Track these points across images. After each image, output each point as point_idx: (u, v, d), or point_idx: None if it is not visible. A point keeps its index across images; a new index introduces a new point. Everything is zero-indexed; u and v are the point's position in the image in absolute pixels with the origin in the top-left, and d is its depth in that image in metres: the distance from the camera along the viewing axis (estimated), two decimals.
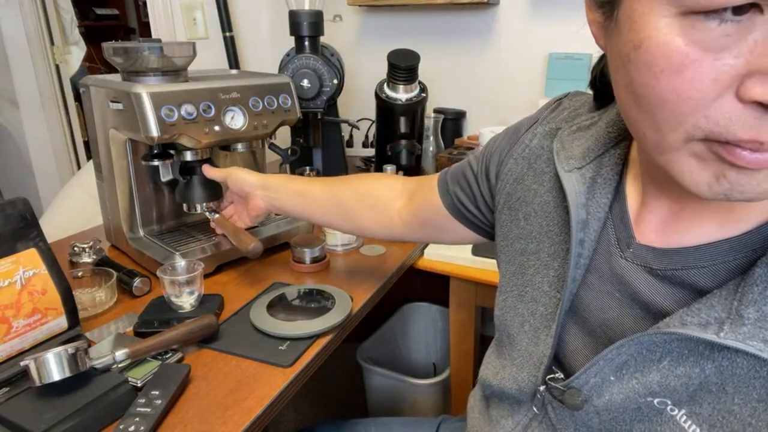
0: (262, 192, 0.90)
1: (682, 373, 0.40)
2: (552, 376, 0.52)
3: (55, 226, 1.36)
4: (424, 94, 1.33)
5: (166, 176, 1.02)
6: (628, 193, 0.49)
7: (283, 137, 1.51)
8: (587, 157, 0.51)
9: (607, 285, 0.48)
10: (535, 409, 0.54)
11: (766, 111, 0.31)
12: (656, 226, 0.46)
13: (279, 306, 0.86)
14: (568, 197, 0.50)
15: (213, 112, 0.93)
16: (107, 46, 0.92)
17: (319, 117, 1.36)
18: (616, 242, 0.48)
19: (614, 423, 0.45)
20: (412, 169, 1.41)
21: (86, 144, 2.79)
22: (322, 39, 1.36)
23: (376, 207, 0.83)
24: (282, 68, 1.32)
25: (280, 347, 0.78)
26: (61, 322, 0.76)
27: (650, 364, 0.42)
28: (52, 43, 2.67)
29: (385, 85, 1.33)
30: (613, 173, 0.49)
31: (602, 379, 0.45)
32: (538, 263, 0.55)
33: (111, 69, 1.00)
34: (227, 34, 1.82)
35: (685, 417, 0.40)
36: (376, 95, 1.34)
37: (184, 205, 1.02)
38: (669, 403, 0.41)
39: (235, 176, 0.92)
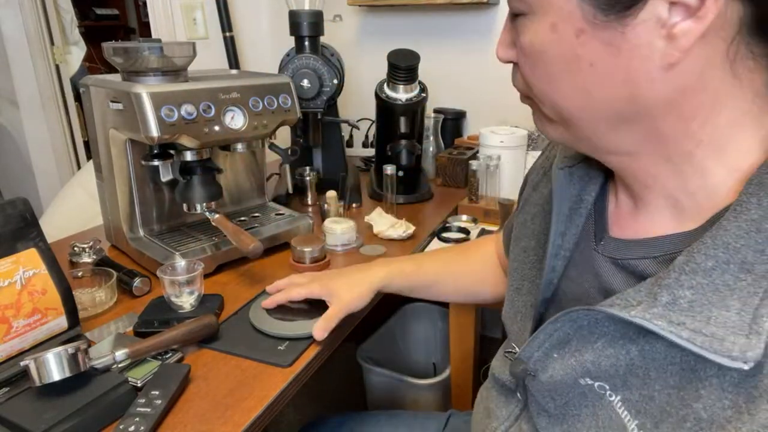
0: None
1: (611, 354, 0.42)
2: (509, 350, 0.56)
3: (55, 226, 1.36)
4: (424, 94, 1.33)
5: (166, 176, 1.02)
6: (612, 190, 0.52)
7: (283, 137, 1.52)
8: (579, 156, 0.53)
9: (583, 276, 0.51)
10: (518, 395, 0.57)
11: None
12: (623, 220, 0.49)
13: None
14: (552, 191, 0.53)
15: (213, 112, 0.93)
16: (107, 46, 0.92)
17: (319, 117, 1.36)
18: (593, 235, 0.51)
19: (567, 408, 0.47)
20: (412, 169, 1.41)
21: (86, 144, 2.79)
22: (322, 39, 1.36)
23: (486, 281, 0.84)
24: (282, 68, 1.32)
25: (279, 347, 0.78)
26: (61, 322, 0.76)
27: (588, 344, 0.44)
28: (52, 43, 2.67)
29: (385, 85, 1.33)
30: (600, 171, 0.52)
31: (545, 354, 0.48)
32: (534, 258, 0.58)
33: (111, 69, 1.00)
34: (227, 34, 1.82)
35: (620, 403, 0.42)
36: (376, 95, 1.34)
37: (184, 205, 1.02)
38: (607, 387, 0.43)
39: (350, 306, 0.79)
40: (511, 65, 0.47)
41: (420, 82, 1.34)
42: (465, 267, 0.86)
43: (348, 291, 0.79)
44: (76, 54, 2.90)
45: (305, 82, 1.29)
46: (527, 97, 0.47)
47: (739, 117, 0.39)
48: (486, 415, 0.63)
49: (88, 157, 2.72)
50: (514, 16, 0.43)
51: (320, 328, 0.76)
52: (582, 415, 0.46)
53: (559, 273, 0.53)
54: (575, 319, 0.44)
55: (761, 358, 0.34)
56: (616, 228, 0.49)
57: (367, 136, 1.83)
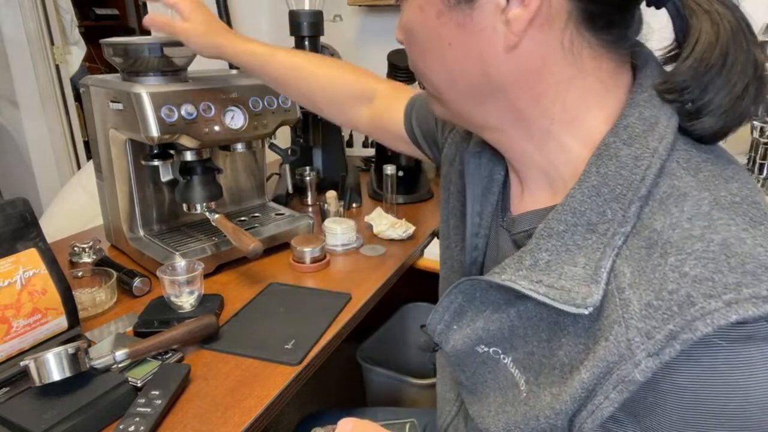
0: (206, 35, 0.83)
1: (496, 319, 0.47)
2: (422, 324, 0.58)
3: (55, 226, 1.36)
4: None
5: (166, 176, 1.02)
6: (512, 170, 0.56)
7: (283, 137, 1.52)
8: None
9: (496, 252, 0.55)
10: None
11: None
12: (516, 197, 0.53)
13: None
14: (465, 175, 0.57)
15: (213, 112, 0.93)
16: (107, 45, 0.92)
17: (319, 117, 1.36)
18: (500, 212, 0.56)
19: (475, 377, 0.52)
20: (412, 169, 1.41)
21: (86, 144, 2.79)
22: (322, 39, 1.36)
23: (335, 102, 0.83)
24: None
25: (286, 345, 0.78)
26: (61, 322, 0.76)
27: (480, 313, 0.49)
28: (52, 43, 2.67)
29: None
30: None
31: (446, 326, 0.53)
32: (457, 237, 0.62)
33: (111, 69, 1.00)
34: None
35: (511, 363, 0.47)
36: None
37: (184, 205, 1.02)
38: (500, 351, 0.48)
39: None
40: None
41: (420, 82, 1.33)
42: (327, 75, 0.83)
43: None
44: (76, 54, 2.89)
45: None
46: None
47: (586, 97, 0.43)
48: (441, 402, 0.67)
49: (88, 157, 2.72)
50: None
51: None
52: (488, 381, 0.50)
53: (482, 251, 0.58)
54: (465, 291, 0.50)
55: (599, 303, 0.38)
56: (512, 204, 0.54)
57: (366, 136, 1.83)
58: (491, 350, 0.49)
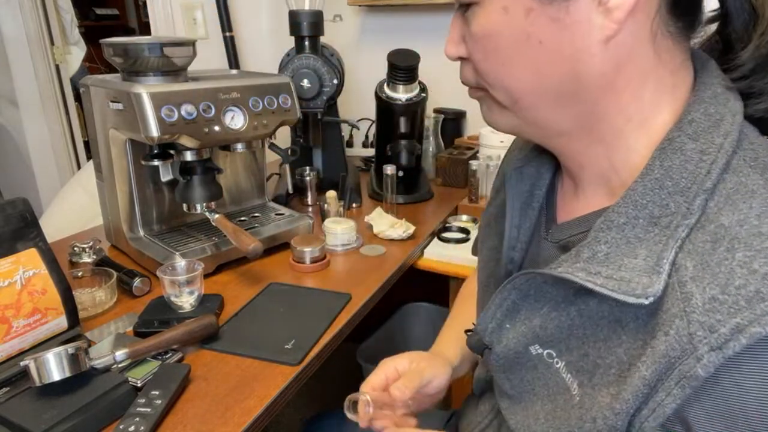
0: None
1: (555, 317, 0.46)
2: (467, 328, 0.58)
3: (55, 226, 1.36)
4: (424, 94, 1.33)
5: (166, 176, 1.02)
6: (560, 181, 0.56)
7: (283, 137, 1.51)
8: (528, 157, 0.57)
9: (536, 265, 0.54)
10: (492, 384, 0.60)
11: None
12: (567, 204, 0.53)
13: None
14: (506, 190, 0.57)
15: (213, 112, 0.93)
16: (107, 45, 0.92)
17: (319, 117, 1.36)
18: (544, 226, 0.55)
19: (522, 385, 0.50)
20: (412, 169, 1.41)
21: (86, 144, 2.79)
22: (322, 39, 1.36)
23: None
24: (282, 68, 1.32)
25: (286, 346, 0.78)
26: (61, 322, 0.76)
27: (535, 311, 0.48)
28: (52, 43, 2.67)
29: (385, 85, 1.33)
30: (548, 167, 0.56)
31: (498, 325, 0.52)
32: (498, 255, 0.60)
33: (111, 69, 1.00)
34: (227, 34, 1.82)
35: (564, 368, 0.45)
36: (376, 95, 1.34)
37: (184, 205, 1.02)
38: (554, 354, 0.46)
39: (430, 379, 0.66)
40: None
41: (420, 82, 1.34)
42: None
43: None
44: (76, 54, 2.89)
45: (305, 82, 1.29)
46: (478, 89, 0.49)
47: (660, 93, 0.43)
48: (470, 412, 0.66)
49: (88, 157, 2.72)
50: (465, 9, 0.46)
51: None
52: (536, 388, 0.49)
53: (517, 264, 0.56)
54: (519, 287, 0.49)
55: (661, 294, 0.37)
56: (561, 213, 0.54)
57: (367, 136, 1.83)
58: (545, 352, 0.47)
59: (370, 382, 0.63)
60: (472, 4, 0.44)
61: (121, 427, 0.61)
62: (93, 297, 0.89)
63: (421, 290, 1.58)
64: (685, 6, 0.41)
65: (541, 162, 0.56)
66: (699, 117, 0.41)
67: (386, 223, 1.17)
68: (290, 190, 1.34)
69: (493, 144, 1.35)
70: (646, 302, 0.37)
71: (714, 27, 0.47)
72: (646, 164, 0.42)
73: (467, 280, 0.88)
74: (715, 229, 0.37)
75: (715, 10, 0.46)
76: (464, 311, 0.80)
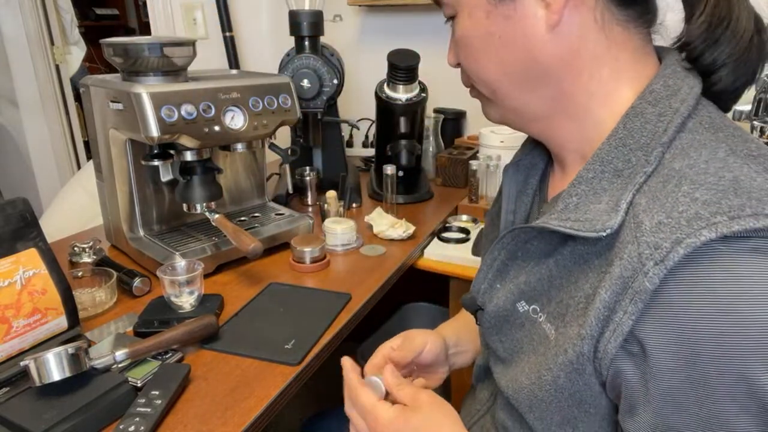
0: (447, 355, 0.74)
1: (537, 271, 0.51)
2: (464, 295, 0.63)
3: (55, 226, 1.36)
4: (424, 94, 1.33)
5: (166, 176, 1.02)
6: (551, 170, 0.61)
7: (283, 137, 1.51)
8: (524, 151, 0.64)
9: None
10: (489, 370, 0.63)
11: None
12: (556, 185, 0.58)
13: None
14: (503, 183, 0.64)
15: (213, 112, 0.93)
16: (107, 45, 0.92)
17: (319, 117, 1.36)
18: (537, 208, 0.60)
19: (513, 345, 0.54)
20: (412, 169, 1.41)
21: (86, 144, 2.79)
22: (322, 39, 1.36)
23: None
24: (282, 68, 1.32)
25: (286, 346, 0.78)
26: (61, 322, 0.76)
27: (522, 269, 0.53)
28: (52, 43, 2.67)
29: (385, 85, 1.33)
30: (542, 159, 0.62)
31: (490, 285, 0.57)
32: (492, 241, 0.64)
33: (111, 69, 1.00)
34: (227, 34, 1.82)
35: (545, 319, 0.50)
36: (376, 95, 1.34)
37: (184, 205, 1.02)
38: (538, 309, 0.51)
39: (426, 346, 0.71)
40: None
41: (420, 82, 1.34)
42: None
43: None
44: (76, 54, 2.90)
45: (305, 82, 1.29)
46: (473, 89, 0.57)
47: (618, 71, 0.49)
48: (469, 403, 0.69)
49: (88, 157, 2.72)
50: (452, 21, 0.54)
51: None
52: (524, 346, 0.53)
53: None
54: (506, 246, 0.54)
55: (617, 228, 0.42)
56: (552, 193, 0.59)
57: (367, 136, 1.83)
58: (530, 308, 0.52)
59: (372, 363, 0.67)
60: (453, 16, 0.53)
61: (121, 427, 0.61)
62: (93, 297, 0.89)
63: (421, 290, 1.58)
64: (629, 1, 0.47)
65: (535, 155, 0.63)
66: (658, 88, 0.47)
67: (386, 223, 1.17)
68: (290, 190, 1.34)
69: (493, 144, 1.35)
70: (604, 234, 0.42)
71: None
72: (612, 128, 0.48)
73: None
74: (667, 173, 0.42)
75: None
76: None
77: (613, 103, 0.49)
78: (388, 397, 0.57)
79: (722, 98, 0.49)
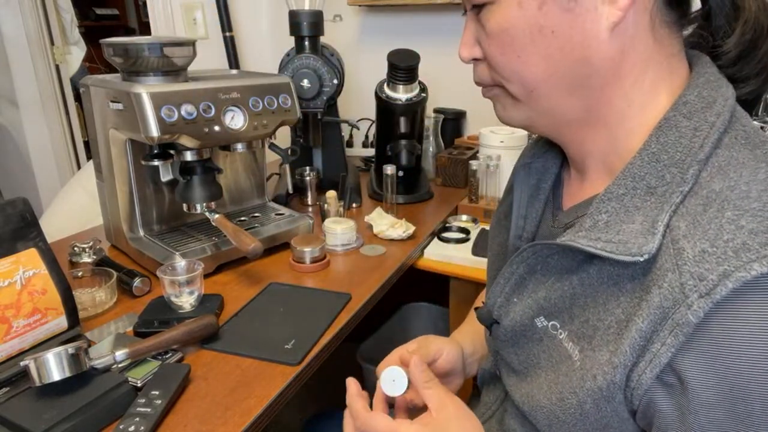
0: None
1: (558, 288, 0.48)
2: (476, 306, 0.60)
3: (55, 226, 1.36)
4: (424, 94, 1.33)
5: (166, 176, 1.02)
6: (566, 175, 0.59)
7: (283, 137, 1.51)
8: (536, 153, 0.61)
9: None
10: (497, 373, 0.62)
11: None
12: (573, 191, 0.56)
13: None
14: (513, 185, 0.61)
15: (213, 112, 0.93)
16: (107, 45, 0.92)
17: (319, 117, 1.36)
18: (551, 216, 0.58)
19: (529, 359, 0.52)
20: (412, 169, 1.41)
21: (86, 144, 2.79)
22: (322, 39, 1.36)
23: None
24: (282, 68, 1.32)
25: (285, 345, 0.78)
26: (61, 322, 0.76)
27: (541, 284, 0.51)
28: (52, 43, 2.67)
29: (385, 85, 1.33)
30: (555, 162, 0.60)
31: (506, 299, 0.54)
32: (506, 249, 0.63)
33: (111, 69, 1.00)
34: (227, 34, 1.82)
35: (566, 337, 0.47)
36: (376, 95, 1.34)
37: (184, 205, 1.02)
38: (558, 326, 0.49)
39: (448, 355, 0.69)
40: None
41: (420, 82, 1.34)
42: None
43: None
44: (76, 54, 2.89)
45: (305, 82, 1.29)
46: (494, 86, 0.52)
47: (659, 79, 0.47)
48: (473, 408, 0.65)
49: (88, 157, 2.72)
50: (479, 10, 0.49)
51: None
52: (541, 361, 0.50)
53: None
54: (526, 260, 0.52)
55: (655, 252, 0.40)
56: (567, 201, 0.57)
57: (367, 136, 1.83)
58: (550, 324, 0.49)
59: (387, 363, 0.64)
60: (486, 4, 0.47)
61: (121, 427, 0.61)
62: (93, 297, 0.89)
63: (421, 290, 1.58)
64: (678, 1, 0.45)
65: (548, 157, 0.60)
66: (693, 99, 0.44)
67: (386, 223, 1.17)
68: (290, 190, 1.34)
69: (493, 144, 1.35)
70: (641, 260, 0.40)
71: (693, 27, 0.51)
72: (644, 141, 0.45)
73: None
74: (707, 194, 0.40)
75: (697, 11, 0.49)
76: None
77: (648, 112, 0.47)
78: (407, 392, 0.54)
79: (748, 103, 0.48)
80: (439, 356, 0.68)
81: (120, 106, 0.92)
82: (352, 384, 0.57)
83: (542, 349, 0.50)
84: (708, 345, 0.36)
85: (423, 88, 1.34)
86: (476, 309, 0.62)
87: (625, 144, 0.48)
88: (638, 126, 0.47)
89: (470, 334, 0.76)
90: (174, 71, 0.96)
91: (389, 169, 1.24)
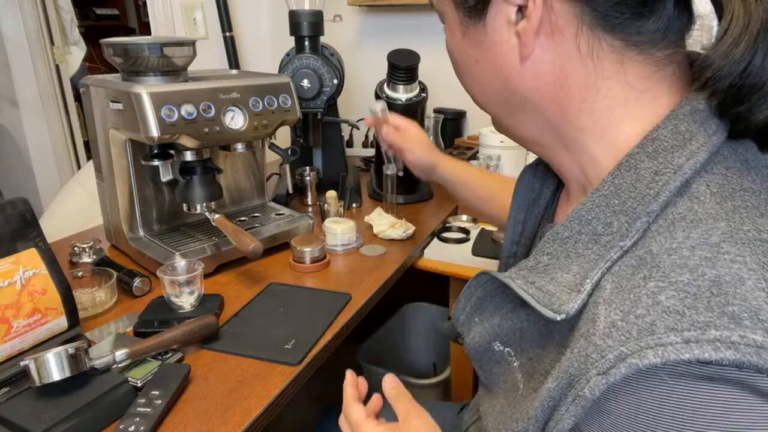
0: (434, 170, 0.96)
1: (511, 318, 0.47)
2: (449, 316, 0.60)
3: (55, 226, 1.36)
4: (424, 94, 1.33)
5: (166, 176, 1.02)
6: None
7: (283, 137, 1.52)
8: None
9: None
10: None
11: None
12: (562, 207, 0.54)
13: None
14: (516, 188, 0.60)
15: (213, 112, 0.93)
16: (107, 45, 0.92)
17: (319, 117, 1.36)
18: (545, 223, 0.57)
19: (491, 376, 0.52)
20: None
21: (86, 144, 2.79)
22: (322, 39, 1.36)
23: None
24: (282, 68, 1.32)
25: (286, 345, 0.78)
26: (61, 322, 0.76)
27: (499, 310, 0.49)
28: (52, 43, 2.67)
29: (385, 85, 1.33)
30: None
31: (468, 318, 0.53)
32: (505, 253, 0.63)
33: (111, 69, 1.00)
34: (227, 34, 1.82)
35: (518, 367, 0.47)
36: (376, 95, 1.34)
37: (184, 205, 1.02)
38: (513, 354, 0.48)
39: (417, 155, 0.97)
40: None
41: (420, 82, 1.34)
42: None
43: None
44: (76, 54, 2.90)
45: (305, 82, 1.29)
46: None
47: (616, 106, 0.42)
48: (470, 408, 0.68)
49: (88, 157, 2.72)
50: None
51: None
52: (500, 382, 0.50)
53: (520, 258, 0.58)
54: (482, 285, 0.50)
55: (576, 313, 0.38)
56: (558, 214, 0.55)
57: (367, 136, 1.83)
58: (506, 350, 0.48)
59: None
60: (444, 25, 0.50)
61: (121, 427, 0.61)
62: (93, 297, 0.89)
63: (421, 290, 1.58)
64: (622, 22, 0.39)
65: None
66: (665, 135, 0.39)
67: (386, 223, 1.17)
68: (290, 190, 1.34)
69: (493, 144, 1.35)
70: (558, 318, 0.38)
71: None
72: (601, 180, 0.41)
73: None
74: (642, 255, 0.36)
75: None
76: (483, 181, 0.95)
77: (610, 141, 0.42)
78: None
79: (763, 143, 0.40)
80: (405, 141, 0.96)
81: (120, 106, 0.92)
82: (349, 375, 0.61)
83: (500, 371, 0.50)
84: (608, 423, 0.35)
85: (423, 88, 1.34)
86: (444, 321, 0.64)
87: (593, 171, 0.44)
88: (602, 154, 0.43)
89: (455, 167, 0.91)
90: (174, 71, 0.96)
91: (389, 169, 1.24)
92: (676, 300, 0.33)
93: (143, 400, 0.65)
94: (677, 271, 0.34)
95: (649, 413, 0.33)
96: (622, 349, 0.33)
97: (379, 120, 1.00)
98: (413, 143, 0.98)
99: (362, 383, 0.62)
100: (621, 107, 0.42)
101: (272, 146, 1.11)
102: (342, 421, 0.60)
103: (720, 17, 0.38)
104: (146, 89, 0.87)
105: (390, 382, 0.59)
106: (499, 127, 0.52)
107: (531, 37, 0.41)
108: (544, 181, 0.58)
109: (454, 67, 0.51)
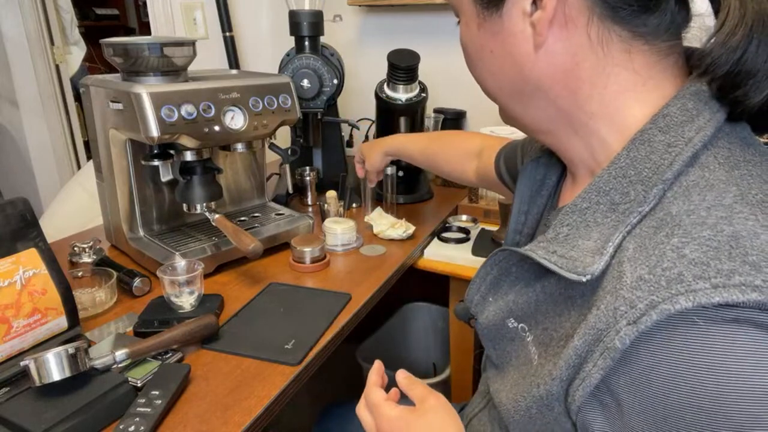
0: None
1: (525, 293, 0.50)
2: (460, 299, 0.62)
3: (55, 226, 1.36)
4: (424, 94, 1.33)
5: (166, 176, 1.02)
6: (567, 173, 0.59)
7: (283, 137, 1.52)
8: (547, 148, 0.60)
9: None
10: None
11: None
12: (567, 193, 0.56)
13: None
14: (519, 179, 0.62)
15: (213, 112, 0.93)
16: (107, 45, 0.92)
17: (319, 117, 1.36)
18: (548, 212, 0.59)
19: (504, 355, 0.54)
20: (412, 169, 1.41)
21: (86, 144, 2.79)
22: (322, 39, 1.36)
23: (452, 162, 1.02)
24: (282, 68, 1.32)
25: (286, 345, 0.78)
26: (61, 322, 0.76)
27: (513, 287, 0.52)
28: (52, 43, 2.67)
29: (385, 85, 1.33)
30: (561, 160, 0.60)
31: (482, 298, 0.56)
32: (508, 243, 0.65)
33: (111, 69, 1.00)
34: (227, 34, 1.82)
35: (532, 341, 0.49)
36: (376, 95, 1.34)
37: (184, 205, 1.02)
38: (526, 329, 0.50)
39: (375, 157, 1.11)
40: None
41: (420, 82, 1.34)
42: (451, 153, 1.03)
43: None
44: (76, 54, 2.89)
45: (305, 82, 1.29)
46: None
47: (624, 92, 0.45)
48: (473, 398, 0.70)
49: (88, 157, 2.72)
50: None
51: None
52: (512, 359, 0.52)
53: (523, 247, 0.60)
54: (499, 263, 0.53)
55: (600, 274, 0.40)
56: (563, 200, 0.57)
57: (367, 137, 1.83)
58: (519, 326, 0.51)
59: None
60: (459, 18, 0.52)
61: (121, 427, 0.61)
62: (93, 297, 0.89)
63: (421, 290, 1.58)
64: (631, 13, 0.43)
65: (554, 154, 0.61)
66: (674, 111, 0.42)
67: (386, 223, 1.17)
68: (290, 190, 1.34)
69: None
70: (584, 280, 0.40)
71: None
72: (616, 154, 0.44)
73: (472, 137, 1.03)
74: (662, 216, 0.39)
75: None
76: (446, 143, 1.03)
77: (620, 123, 0.45)
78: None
79: (758, 125, 0.44)
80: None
81: (120, 106, 0.92)
82: (377, 363, 0.64)
83: (514, 348, 0.52)
84: (638, 372, 0.36)
85: (423, 88, 1.34)
86: (457, 303, 0.64)
87: (601, 154, 0.47)
88: (612, 137, 0.46)
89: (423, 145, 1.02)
90: (174, 71, 0.96)
91: (389, 169, 1.24)
92: (699, 253, 0.35)
93: (143, 400, 0.65)
94: (698, 228, 0.36)
95: (679, 358, 0.35)
96: (653, 297, 0.35)
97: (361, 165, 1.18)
98: (364, 153, 1.15)
99: (385, 376, 0.64)
100: (629, 92, 0.45)
101: (272, 146, 1.11)
102: (361, 405, 0.61)
103: (717, 11, 0.42)
104: (146, 89, 0.87)
105: (402, 373, 0.61)
106: (507, 117, 0.54)
107: (545, 27, 0.43)
108: (547, 172, 0.60)
109: (467, 60, 0.52)
